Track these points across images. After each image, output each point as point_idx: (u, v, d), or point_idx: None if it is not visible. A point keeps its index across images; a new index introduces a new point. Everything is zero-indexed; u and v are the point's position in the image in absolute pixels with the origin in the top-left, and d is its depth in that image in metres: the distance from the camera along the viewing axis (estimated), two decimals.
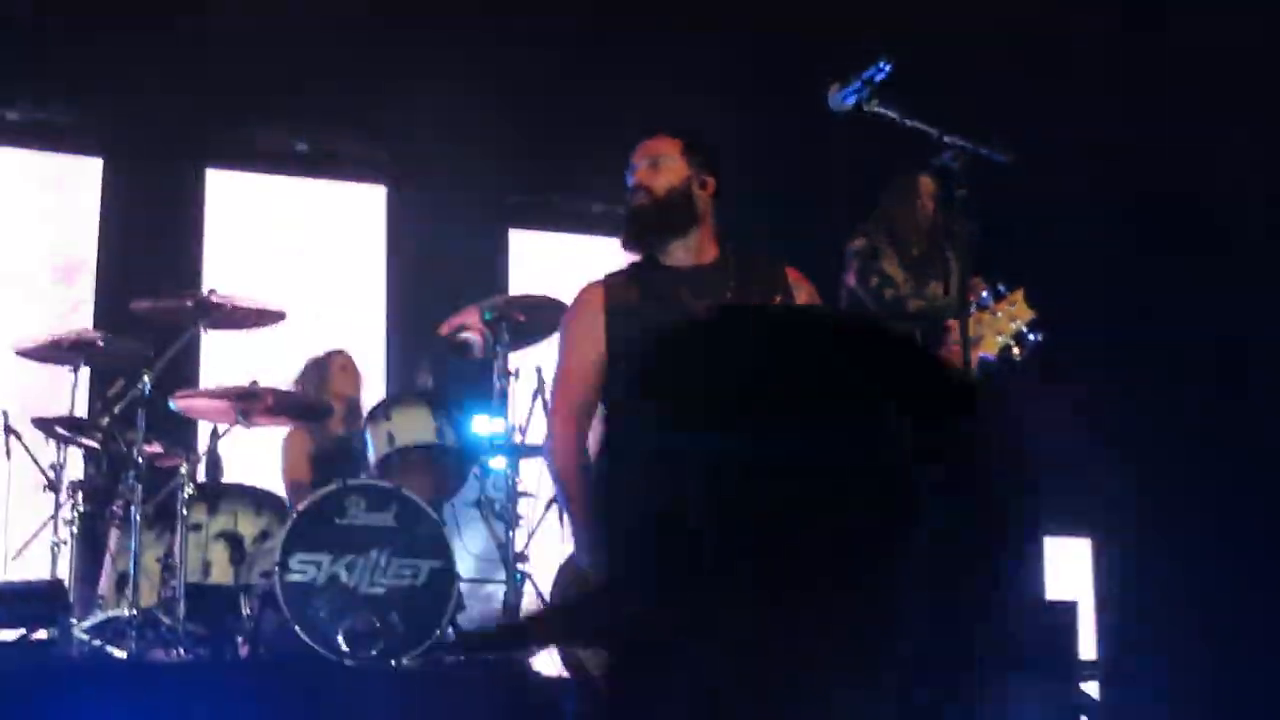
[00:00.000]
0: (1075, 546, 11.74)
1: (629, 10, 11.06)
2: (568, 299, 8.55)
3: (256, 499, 8.23)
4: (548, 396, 5.54)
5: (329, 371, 9.48)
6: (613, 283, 5.58)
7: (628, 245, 5.67)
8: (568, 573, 5.53)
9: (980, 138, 4.57)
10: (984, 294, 4.96)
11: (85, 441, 8.20)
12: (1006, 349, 4.85)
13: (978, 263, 7.87)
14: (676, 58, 11.03)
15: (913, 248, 8.47)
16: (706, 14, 10.85)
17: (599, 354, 5.43)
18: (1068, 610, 8.29)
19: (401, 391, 9.46)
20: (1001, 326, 4.85)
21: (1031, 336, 4.94)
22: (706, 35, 10.89)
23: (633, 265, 5.66)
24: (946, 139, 4.58)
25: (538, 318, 8.57)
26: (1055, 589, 10.54)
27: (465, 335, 8.61)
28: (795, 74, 7.49)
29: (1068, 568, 11.34)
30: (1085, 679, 8.84)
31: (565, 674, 8.03)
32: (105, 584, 8.02)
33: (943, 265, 8.54)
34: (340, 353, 9.58)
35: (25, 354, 8.42)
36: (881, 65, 4.73)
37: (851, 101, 4.83)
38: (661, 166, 5.63)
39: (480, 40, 10.85)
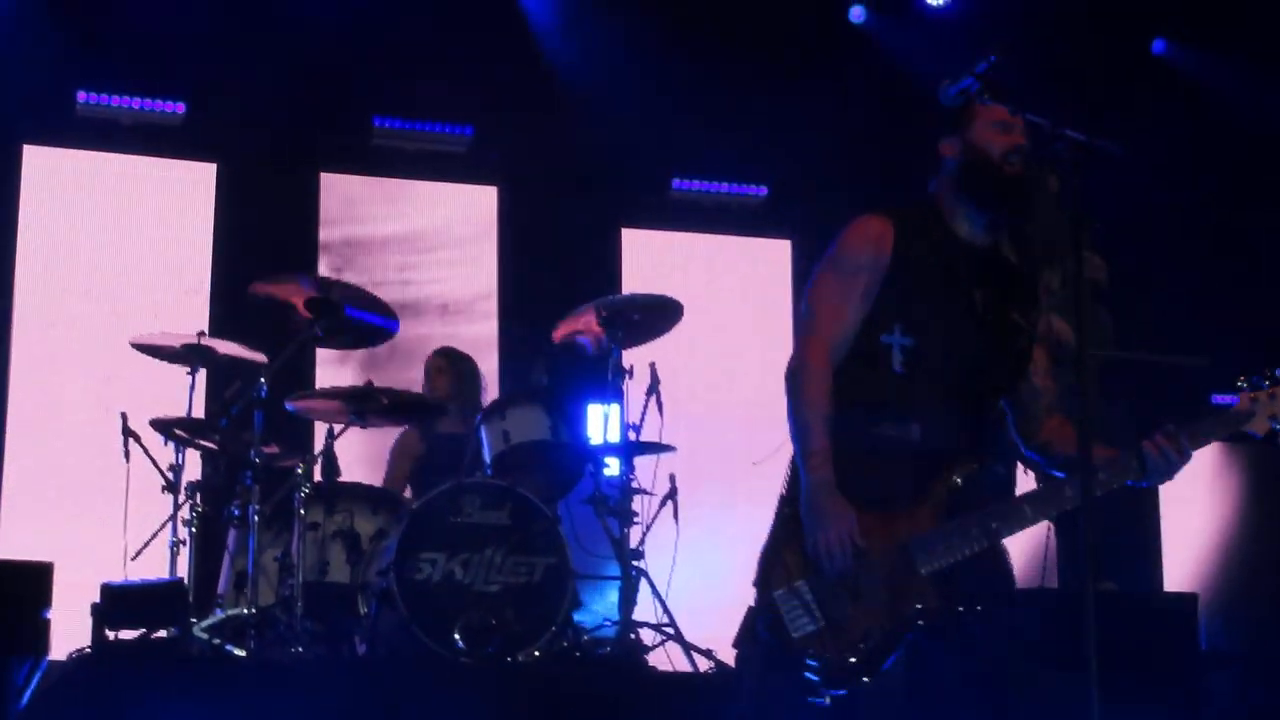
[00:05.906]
0: None
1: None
2: (681, 297, 8.62)
3: (372, 498, 8.26)
4: (805, 335, 4.80)
5: (426, 373, 9.51)
6: (901, 230, 4.92)
7: (985, 203, 4.92)
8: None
9: (1093, 129, 4.51)
10: (1256, 378, 4.90)
11: (203, 443, 8.28)
12: (1273, 433, 4.82)
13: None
14: (794, 59, 11.06)
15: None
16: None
17: (872, 297, 4.86)
18: (1188, 602, 8.20)
19: (516, 390, 9.46)
20: (1275, 410, 4.81)
21: None
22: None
23: (920, 216, 5.00)
24: (1059, 131, 4.52)
25: (652, 316, 8.58)
26: None
27: (579, 334, 8.62)
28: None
29: None
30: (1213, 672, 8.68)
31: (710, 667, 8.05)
32: (224, 583, 8.08)
33: (1055, 255, 8.51)
34: (436, 354, 9.60)
35: (141, 348, 8.47)
36: (990, 57, 4.67)
37: (962, 95, 4.78)
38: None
39: (588, 36, 10.87)
